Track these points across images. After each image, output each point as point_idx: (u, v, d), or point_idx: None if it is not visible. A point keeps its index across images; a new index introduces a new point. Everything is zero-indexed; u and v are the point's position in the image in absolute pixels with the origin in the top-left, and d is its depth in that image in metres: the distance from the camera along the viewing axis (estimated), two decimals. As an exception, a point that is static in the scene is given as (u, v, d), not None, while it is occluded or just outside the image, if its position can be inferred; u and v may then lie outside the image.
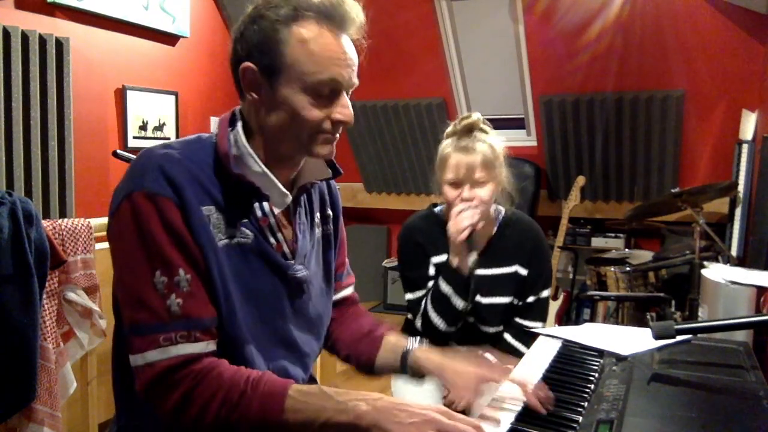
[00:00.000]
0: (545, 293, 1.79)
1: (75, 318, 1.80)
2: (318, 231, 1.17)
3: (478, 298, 1.73)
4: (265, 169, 1.02)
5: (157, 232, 0.91)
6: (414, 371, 1.15)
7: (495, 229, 1.78)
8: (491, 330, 1.77)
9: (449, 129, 1.74)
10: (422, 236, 1.77)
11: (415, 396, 1.61)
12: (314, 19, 0.96)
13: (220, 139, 1.01)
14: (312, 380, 1.17)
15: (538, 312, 1.78)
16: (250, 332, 1.01)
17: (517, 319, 1.79)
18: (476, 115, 1.73)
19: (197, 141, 1.02)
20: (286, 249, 1.06)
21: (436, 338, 1.62)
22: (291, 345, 1.09)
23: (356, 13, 1.01)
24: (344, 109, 1.00)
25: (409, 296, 1.79)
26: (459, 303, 1.66)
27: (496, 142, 1.70)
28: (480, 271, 1.71)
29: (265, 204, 1.02)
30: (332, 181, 1.24)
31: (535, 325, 1.77)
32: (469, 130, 1.70)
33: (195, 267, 0.94)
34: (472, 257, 1.65)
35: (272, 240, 1.04)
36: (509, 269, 1.76)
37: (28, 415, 1.59)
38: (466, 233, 1.60)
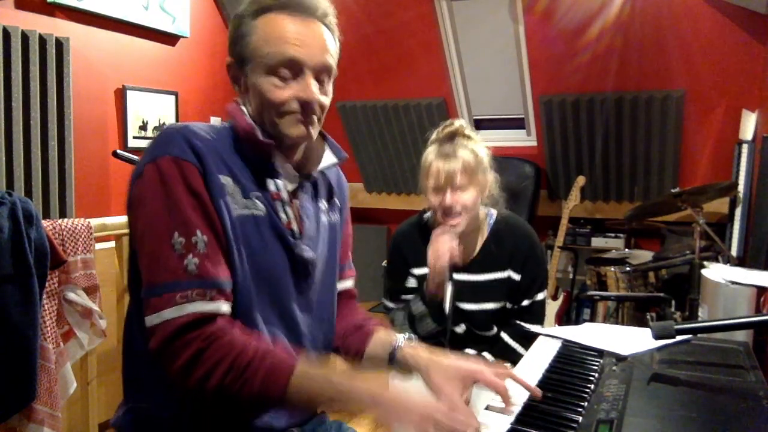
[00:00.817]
0: (541, 296, 1.79)
1: (75, 318, 1.80)
2: (324, 219, 1.19)
3: (471, 305, 1.74)
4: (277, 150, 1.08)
5: (180, 194, 0.95)
6: (401, 367, 1.15)
7: (487, 233, 1.78)
8: (487, 334, 1.77)
9: (432, 136, 1.75)
10: (407, 247, 1.81)
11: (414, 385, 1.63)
12: (275, 9, 1.03)
13: (239, 119, 1.07)
14: None
15: (535, 315, 1.78)
16: (257, 300, 1.03)
17: (515, 321, 1.78)
18: (459, 122, 1.74)
19: (212, 125, 1.08)
20: (294, 227, 1.09)
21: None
22: (291, 323, 1.10)
23: (318, 3, 1.06)
24: (306, 87, 1.03)
25: (386, 302, 1.85)
26: (432, 326, 1.71)
27: (479, 148, 1.70)
28: (472, 277, 1.74)
29: (278, 180, 1.08)
30: (341, 174, 1.28)
31: (532, 329, 1.74)
32: (451, 137, 1.70)
33: (213, 230, 0.97)
34: (449, 288, 1.68)
35: (282, 216, 1.07)
36: (502, 274, 1.76)
37: (28, 415, 1.59)
38: (444, 260, 1.62)
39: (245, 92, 1.07)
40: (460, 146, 1.68)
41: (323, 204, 1.19)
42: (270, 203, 1.06)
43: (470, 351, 1.76)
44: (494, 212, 1.81)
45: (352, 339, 1.24)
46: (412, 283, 1.79)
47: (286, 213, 1.08)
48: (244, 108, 1.09)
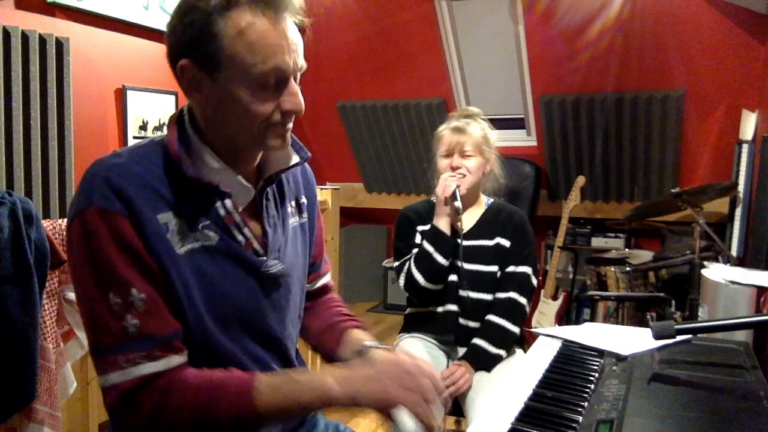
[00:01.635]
0: (525, 268, 1.90)
1: (75, 318, 1.80)
2: (293, 220, 1.13)
3: (465, 264, 1.88)
4: (224, 164, 0.98)
5: (109, 251, 0.88)
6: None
7: (484, 210, 1.99)
8: (483, 297, 1.89)
9: (450, 114, 2.03)
10: (414, 213, 2.02)
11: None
12: (248, 6, 0.90)
13: (169, 139, 0.96)
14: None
15: (518, 284, 1.88)
16: (225, 334, 0.99)
17: (498, 294, 1.89)
18: (477, 110, 2.01)
19: (149, 145, 0.98)
20: (256, 245, 1.02)
21: (417, 295, 1.91)
22: (270, 339, 1.07)
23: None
24: (293, 97, 0.95)
25: (395, 263, 1.99)
26: (440, 259, 1.86)
27: (489, 132, 1.98)
28: (467, 243, 1.91)
29: (228, 201, 0.98)
30: (306, 166, 1.20)
31: (516, 299, 1.87)
32: (467, 117, 1.98)
33: (152, 282, 0.90)
34: (458, 203, 1.85)
35: (240, 238, 1.00)
36: (492, 242, 1.93)
37: (28, 415, 1.59)
38: (449, 190, 1.84)
39: (210, 100, 0.95)
40: (471, 124, 1.94)
41: (290, 206, 1.13)
42: (222, 228, 0.98)
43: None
44: (492, 199, 2.04)
45: (326, 338, 1.20)
46: (418, 239, 1.96)
47: (243, 234, 1.00)
48: (187, 123, 0.99)
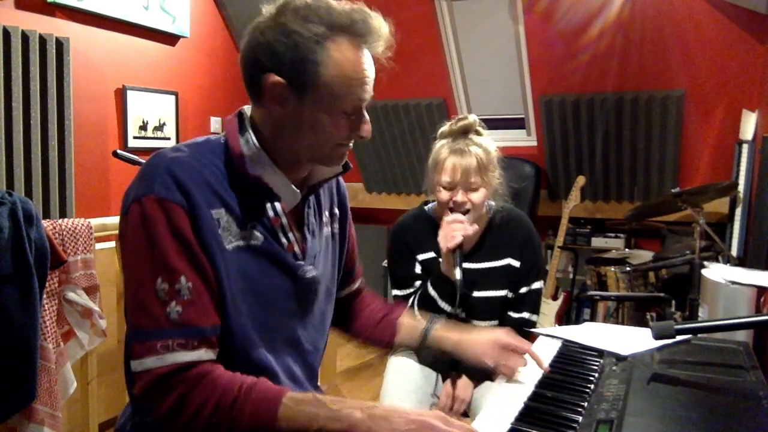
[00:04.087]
0: (537, 284, 1.81)
1: (75, 318, 1.80)
2: (326, 230, 1.18)
3: (473, 294, 1.75)
4: (279, 171, 1.03)
5: (163, 238, 0.92)
6: (433, 349, 1.26)
7: (486, 223, 1.80)
8: (484, 324, 1.78)
9: (444, 129, 1.75)
10: (411, 235, 1.81)
11: (408, 399, 1.63)
12: (348, 38, 0.97)
13: (232, 140, 1.01)
14: (315, 379, 1.18)
15: (531, 304, 1.80)
16: (258, 333, 1.02)
17: (511, 313, 1.80)
18: (473, 117, 1.75)
19: (206, 143, 1.03)
20: (297, 249, 1.07)
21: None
22: (296, 344, 1.10)
23: (384, 29, 1.02)
24: (366, 125, 1.03)
25: (396, 292, 1.83)
26: (445, 306, 1.69)
27: (490, 145, 1.72)
28: (472, 265, 1.75)
29: (277, 204, 1.03)
30: (340, 179, 1.26)
31: (528, 318, 1.79)
32: (465, 132, 1.71)
33: (200, 274, 0.94)
34: (458, 272, 1.63)
35: (284, 240, 1.05)
36: (501, 262, 1.78)
37: (28, 415, 1.59)
38: (454, 243, 1.62)
39: (289, 117, 0.99)
40: (473, 143, 1.69)
41: (326, 215, 1.18)
42: (268, 230, 1.02)
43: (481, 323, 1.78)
44: (493, 204, 1.81)
45: (380, 329, 1.29)
46: (418, 269, 1.80)
47: (287, 237, 1.05)
48: (249, 126, 1.03)
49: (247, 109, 1.06)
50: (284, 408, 0.90)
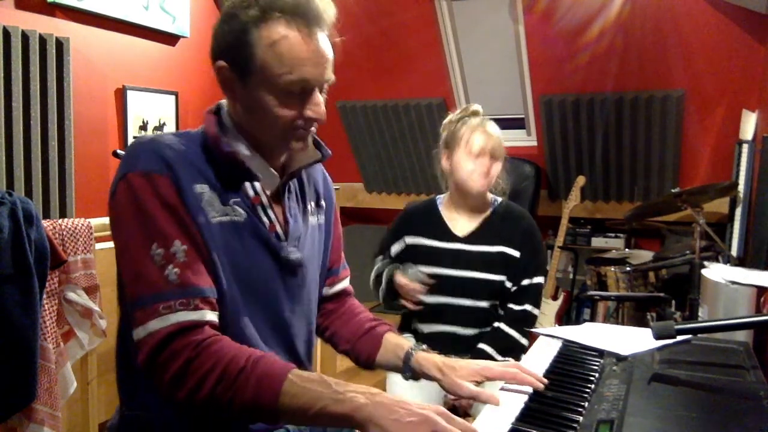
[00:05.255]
0: (539, 279, 1.88)
1: (75, 318, 1.80)
2: (312, 219, 1.19)
3: (467, 272, 1.85)
4: (254, 152, 1.06)
5: (152, 207, 0.94)
6: (415, 374, 1.18)
7: (490, 212, 1.93)
8: (481, 305, 1.85)
9: (453, 116, 1.93)
10: (413, 216, 1.99)
11: (411, 393, 1.64)
12: (283, 19, 0.97)
13: (207, 124, 1.05)
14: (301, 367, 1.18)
15: (532, 296, 1.86)
16: (246, 308, 1.03)
17: (511, 305, 1.85)
18: (476, 106, 1.93)
19: (185, 132, 1.07)
20: (279, 229, 1.08)
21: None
22: (282, 328, 1.09)
23: (325, 9, 1.01)
24: (316, 107, 1.02)
25: (376, 254, 2.04)
26: (381, 296, 1.92)
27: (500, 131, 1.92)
28: (466, 247, 1.87)
29: (257, 183, 1.06)
30: (326, 174, 1.28)
31: (530, 310, 1.85)
32: (476, 114, 1.91)
33: (191, 240, 0.96)
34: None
35: (265, 219, 1.06)
36: (496, 249, 1.88)
37: (28, 415, 1.59)
38: (414, 299, 1.82)
39: (237, 99, 1.04)
40: (490, 125, 1.87)
41: (310, 205, 1.19)
42: (250, 208, 1.05)
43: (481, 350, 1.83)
44: (499, 198, 1.97)
45: (363, 343, 1.24)
46: (396, 247, 1.97)
47: (268, 216, 1.07)
48: (224, 113, 1.08)
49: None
50: (289, 383, 0.89)
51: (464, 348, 1.79)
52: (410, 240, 1.94)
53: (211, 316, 0.96)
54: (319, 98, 1.03)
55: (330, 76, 1.03)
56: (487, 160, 1.82)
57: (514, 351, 1.79)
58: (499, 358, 1.76)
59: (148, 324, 0.92)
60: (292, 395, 0.88)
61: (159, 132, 1.05)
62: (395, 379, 1.77)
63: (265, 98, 1.00)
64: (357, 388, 0.89)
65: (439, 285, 1.84)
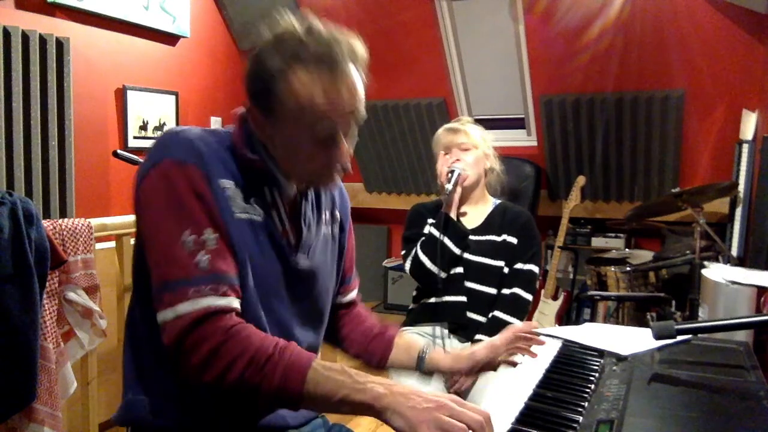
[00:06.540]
0: (531, 266, 1.99)
1: (75, 318, 1.80)
2: (326, 229, 1.20)
3: (472, 257, 1.99)
4: (273, 166, 1.08)
5: (185, 194, 0.96)
6: (429, 370, 1.27)
7: (492, 209, 2.09)
8: (489, 290, 1.98)
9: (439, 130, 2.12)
10: (425, 208, 2.13)
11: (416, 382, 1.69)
12: (306, 69, 0.98)
13: (235, 134, 1.07)
14: None
15: (524, 281, 1.98)
16: (260, 303, 1.05)
17: (505, 290, 1.97)
18: (467, 118, 2.14)
19: (214, 130, 1.09)
20: (291, 237, 1.10)
21: (422, 278, 2.00)
22: (286, 332, 1.10)
23: (351, 51, 1.02)
24: (341, 156, 1.05)
25: (403, 251, 2.09)
26: (448, 243, 1.95)
27: (484, 131, 2.09)
28: (474, 237, 2.02)
29: (276, 189, 1.09)
30: (343, 188, 1.30)
31: (520, 294, 1.96)
32: (458, 120, 2.10)
33: (220, 230, 0.98)
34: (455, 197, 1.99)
35: (279, 225, 1.08)
36: (498, 238, 2.03)
37: (28, 415, 1.59)
38: (444, 175, 1.98)
39: (270, 140, 1.06)
40: (466, 123, 2.07)
41: (325, 214, 1.21)
42: (267, 210, 1.07)
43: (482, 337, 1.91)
44: (499, 200, 2.14)
45: (375, 346, 1.28)
46: (427, 229, 2.05)
47: (282, 222, 1.09)
48: (251, 126, 1.08)
49: None
50: (313, 371, 0.91)
51: (471, 335, 1.91)
52: (432, 221, 2.05)
53: (237, 303, 0.98)
54: (345, 146, 1.05)
55: (359, 115, 1.06)
56: (458, 153, 2.00)
57: None
58: None
59: (177, 306, 0.93)
60: (316, 383, 0.91)
61: (187, 127, 1.08)
62: (398, 380, 1.80)
63: (294, 144, 1.02)
64: (375, 379, 0.92)
65: (451, 263, 1.98)
